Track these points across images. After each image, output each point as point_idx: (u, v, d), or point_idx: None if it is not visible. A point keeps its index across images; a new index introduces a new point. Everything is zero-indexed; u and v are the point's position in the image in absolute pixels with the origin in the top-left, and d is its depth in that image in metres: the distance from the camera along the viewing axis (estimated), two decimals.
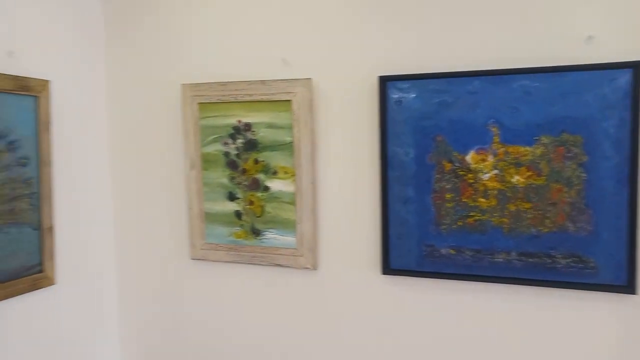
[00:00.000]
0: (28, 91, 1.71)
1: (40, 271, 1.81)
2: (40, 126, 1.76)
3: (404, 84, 1.65)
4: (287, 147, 1.83)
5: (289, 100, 1.80)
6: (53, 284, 1.86)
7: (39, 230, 1.79)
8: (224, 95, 1.88)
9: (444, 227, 1.64)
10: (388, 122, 1.68)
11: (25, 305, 1.79)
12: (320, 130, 1.81)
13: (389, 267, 1.72)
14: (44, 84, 1.77)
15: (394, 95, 1.67)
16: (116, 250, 2.19)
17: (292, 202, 1.84)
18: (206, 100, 1.91)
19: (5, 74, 1.63)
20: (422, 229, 1.67)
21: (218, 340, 2.03)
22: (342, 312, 1.83)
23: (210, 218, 1.97)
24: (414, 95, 1.64)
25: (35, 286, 1.79)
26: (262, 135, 1.86)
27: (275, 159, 1.85)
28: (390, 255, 1.72)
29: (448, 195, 1.63)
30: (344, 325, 1.83)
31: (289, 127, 1.81)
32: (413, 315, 1.74)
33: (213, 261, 1.99)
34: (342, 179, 1.80)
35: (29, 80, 1.72)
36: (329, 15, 1.78)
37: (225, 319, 2.01)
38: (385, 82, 1.67)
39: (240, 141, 1.90)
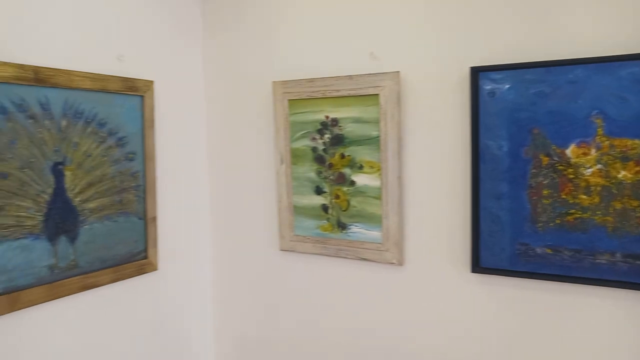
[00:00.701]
0: (135, 91, 1.86)
1: (145, 257, 1.96)
2: (145, 123, 1.91)
3: (498, 75, 1.58)
4: (374, 142, 1.83)
5: (376, 95, 1.80)
6: (156, 270, 2.02)
7: (144, 220, 1.95)
8: (312, 92, 1.92)
9: (540, 225, 1.56)
10: (480, 115, 1.62)
11: (132, 288, 1.95)
12: (407, 124, 1.79)
13: (479, 265, 1.67)
14: (149, 84, 1.92)
15: (487, 86, 1.61)
16: (212, 240, 2.32)
17: (378, 197, 1.83)
18: (295, 97, 1.96)
19: (115, 76, 1.79)
20: (516, 226, 1.59)
21: (305, 330, 2.08)
22: (428, 309, 1.80)
23: (298, 211, 2.02)
24: (509, 86, 1.57)
25: (140, 271, 1.95)
26: (349, 130, 1.87)
27: (362, 154, 1.86)
28: (481, 253, 1.66)
29: (545, 192, 1.54)
30: (430, 323, 1.80)
31: (376, 122, 1.81)
32: (504, 317, 1.67)
33: (301, 253, 2.05)
34: (430, 174, 1.76)
35: (136, 81, 1.87)
36: (416, 6, 1.75)
37: (312, 309, 2.06)
38: (477, 73, 1.61)
39: (327, 136, 1.92)
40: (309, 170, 1.98)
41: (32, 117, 1.54)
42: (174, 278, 2.15)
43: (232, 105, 2.20)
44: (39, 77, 1.54)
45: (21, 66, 1.49)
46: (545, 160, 1.54)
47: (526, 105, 1.55)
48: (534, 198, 1.56)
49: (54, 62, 1.61)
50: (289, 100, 1.99)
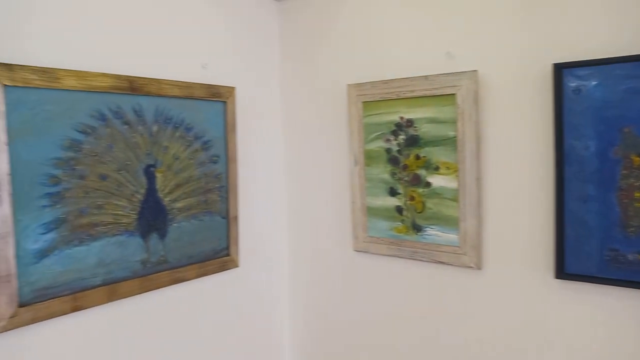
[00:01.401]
0: (218, 97, 1.97)
1: (227, 254, 2.07)
2: (227, 127, 2.02)
3: (584, 71, 1.50)
4: (450, 142, 1.80)
5: (452, 94, 1.77)
6: (237, 267, 2.12)
7: (227, 219, 2.05)
8: (386, 93, 1.93)
9: (632, 229, 1.46)
10: (564, 113, 1.55)
11: (215, 283, 2.06)
12: (486, 124, 1.74)
13: (564, 271, 1.59)
14: (231, 90, 2.02)
15: (572, 83, 1.53)
16: (289, 239, 2.40)
17: (455, 199, 1.80)
18: (370, 99, 1.98)
19: (200, 84, 1.90)
20: (604, 231, 1.50)
21: (378, 331, 2.09)
22: (507, 315, 1.74)
23: (372, 212, 2.04)
24: (596, 82, 1.49)
25: (223, 267, 2.06)
26: (424, 130, 1.86)
27: (437, 155, 1.84)
28: (566, 258, 1.58)
29: (637, 194, 1.44)
30: (509, 329, 1.74)
31: (453, 122, 1.78)
32: (590, 326, 1.57)
33: (374, 254, 2.06)
34: (510, 175, 1.71)
35: (219, 87, 1.97)
36: (494, 2, 1.70)
37: (384, 310, 2.06)
38: (561, 70, 1.54)
39: (401, 137, 1.92)
40: (382, 172, 1.99)
41: (127, 123, 1.68)
42: (254, 275, 2.24)
43: (308, 108, 2.26)
44: (133, 86, 1.68)
45: (118, 76, 1.64)
46: (637, 160, 1.43)
47: (616, 103, 1.46)
48: (625, 201, 1.46)
49: (146, 72, 1.74)
50: (363, 102, 2.01)
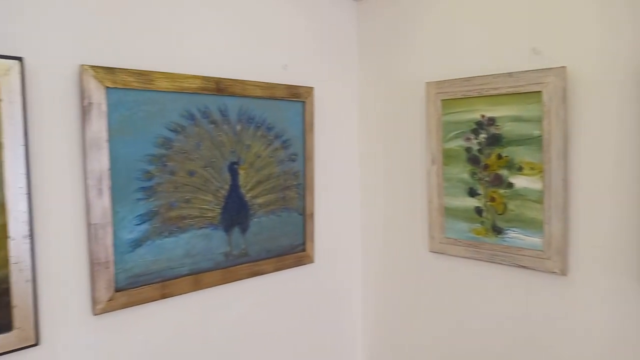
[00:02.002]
0: (298, 97, 2.02)
1: (303, 250, 2.12)
2: (306, 127, 2.06)
3: None
4: (535, 142, 1.72)
5: (538, 92, 1.70)
6: (312, 262, 2.16)
7: (303, 216, 2.10)
8: (467, 91, 1.88)
9: None
10: None
11: (291, 278, 2.12)
12: (574, 122, 1.65)
13: None
14: (310, 90, 2.07)
15: None
16: (362, 237, 2.41)
17: (539, 201, 1.73)
18: (449, 97, 1.94)
19: (281, 84, 1.96)
20: None
21: (452, 334, 2.05)
22: (595, 324, 1.64)
23: (449, 213, 2.00)
24: None
25: (299, 262, 2.11)
26: (507, 129, 1.80)
27: (521, 154, 1.77)
28: None
29: None
30: (596, 339, 1.64)
31: (538, 120, 1.71)
32: None
33: (451, 256, 2.02)
34: (600, 176, 1.61)
35: (299, 88, 2.02)
36: None
37: (460, 313, 2.02)
38: None
39: (482, 136, 1.87)
40: (461, 171, 1.94)
41: (213, 122, 1.77)
42: (328, 271, 2.28)
43: (384, 107, 2.26)
44: (219, 87, 1.77)
45: (206, 78, 1.73)
46: None
47: None
48: None
49: (232, 74, 1.83)
50: (442, 100, 1.97)
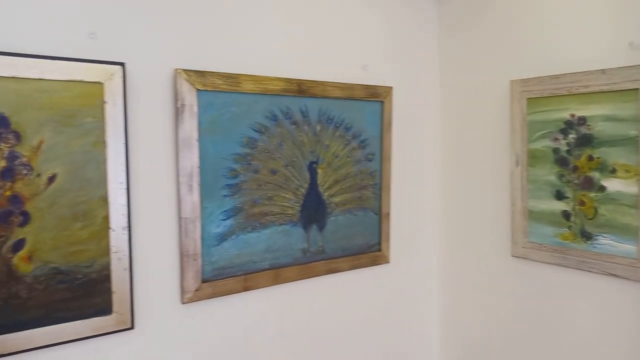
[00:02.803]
0: (376, 97, 2.03)
1: (379, 250, 2.12)
2: (383, 127, 2.07)
3: None
4: (631, 143, 1.62)
5: (635, 89, 1.59)
6: (387, 262, 2.16)
7: (379, 215, 2.11)
8: (556, 89, 1.80)
9: None
10: None
11: (366, 277, 2.13)
12: None
13: None
14: (388, 90, 2.07)
15: None
16: (440, 238, 2.37)
17: (635, 206, 1.62)
18: (535, 95, 1.87)
19: (360, 85, 1.98)
20: None
21: (533, 343, 1.96)
22: None
23: (534, 216, 1.92)
24: None
25: (374, 262, 2.12)
26: (599, 129, 1.70)
27: (615, 156, 1.66)
28: None
29: None
30: None
31: (635, 120, 1.60)
32: None
33: (534, 261, 1.94)
34: None
35: (377, 88, 2.03)
36: None
37: (542, 320, 1.93)
38: None
39: (572, 136, 1.78)
40: (548, 173, 1.86)
41: (294, 123, 1.83)
42: (403, 272, 2.26)
43: (466, 106, 2.20)
44: (301, 89, 1.81)
45: (289, 80, 1.78)
46: None
47: None
48: None
49: (312, 75, 1.87)
50: (528, 98, 1.90)
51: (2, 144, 1.30)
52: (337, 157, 1.95)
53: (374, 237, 2.11)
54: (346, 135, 1.97)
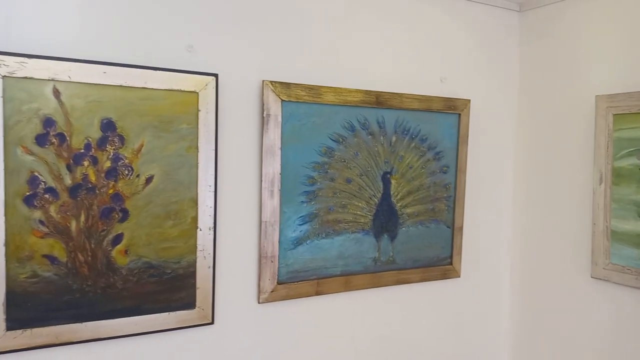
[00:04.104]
0: (453, 110, 2.03)
1: (450, 263, 2.11)
2: (460, 139, 2.06)
3: None
4: None
5: None
6: (458, 277, 2.14)
7: (451, 229, 2.09)
8: None
9: None
10: None
11: (436, 290, 2.12)
12: None
13: None
14: (466, 102, 2.06)
15: None
16: (514, 255, 2.31)
17: None
18: (623, 111, 1.79)
19: (438, 97, 1.99)
20: None
21: None
22: None
23: (617, 237, 1.84)
24: None
25: (444, 275, 2.10)
26: None
27: None
28: None
29: None
30: None
31: None
32: None
33: (616, 284, 1.85)
34: None
35: (455, 100, 2.03)
36: None
37: (622, 348, 1.83)
38: None
39: None
40: (635, 192, 1.78)
41: (371, 133, 1.87)
42: (474, 288, 2.23)
43: (547, 120, 2.15)
44: (379, 101, 1.85)
45: (367, 92, 1.83)
46: None
47: None
48: None
49: (390, 87, 1.91)
50: (615, 114, 1.83)
51: (109, 146, 1.43)
52: (411, 168, 1.97)
53: (446, 250, 2.10)
54: (421, 147, 1.98)
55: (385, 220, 1.93)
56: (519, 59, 2.27)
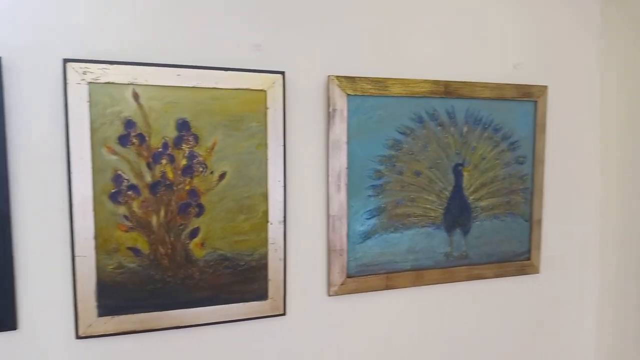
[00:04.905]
0: (529, 97, 1.93)
1: (527, 259, 2.01)
2: (537, 128, 1.95)
3: None
4: None
5: None
6: (537, 273, 2.03)
7: (529, 222, 1.99)
8: None
9: None
10: None
11: (512, 286, 2.03)
12: None
13: None
14: (543, 89, 1.95)
15: None
16: (599, 252, 2.16)
17: None
18: None
19: (511, 84, 1.90)
20: None
21: None
22: None
23: None
24: None
25: (521, 271, 2.01)
26: None
27: None
28: None
29: None
30: None
31: None
32: None
33: None
34: None
35: (530, 87, 1.93)
36: None
37: None
38: None
39: None
40: None
41: (440, 124, 1.82)
42: (555, 284, 2.11)
43: (632, 108, 1.98)
44: (448, 90, 1.80)
45: (435, 82, 1.78)
46: None
47: None
48: None
49: (460, 76, 1.84)
50: None
51: (184, 145, 1.51)
52: (484, 159, 1.89)
53: (523, 245, 2.00)
54: (495, 137, 1.90)
55: (458, 213, 1.88)
56: (599, 41, 2.10)
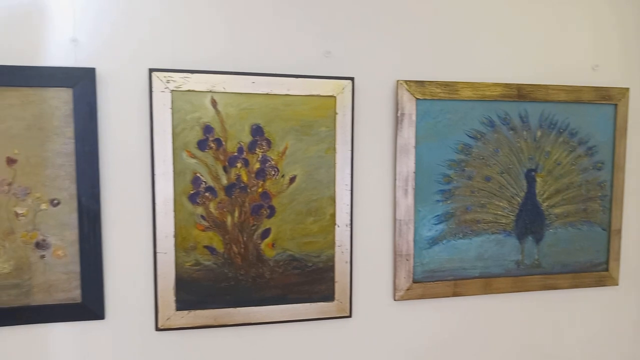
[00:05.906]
0: (608, 100, 1.84)
1: (605, 270, 1.91)
2: (617, 132, 1.86)
3: None
4: None
5: None
6: (616, 285, 1.93)
7: (607, 231, 1.90)
8: None
9: None
10: None
11: (588, 298, 1.93)
12: None
13: None
14: (624, 92, 1.85)
15: None
16: None
17: None
18: None
19: (589, 87, 1.82)
20: None
21: None
22: None
23: None
24: None
25: (599, 283, 1.91)
26: None
27: None
28: None
29: None
30: None
31: None
32: None
33: None
34: None
35: (610, 90, 1.84)
36: None
37: None
38: None
39: None
40: None
41: (512, 128, 1.78)
42: (635, 299, 1.99)
43: None
44: (521, 94, 1.76)
45: (507, 85, 1.74)
46: None
47: None
48: None
49: (534, 79, 1.79)
50: None
51: (258, 149, 1.57)
52: (559, 164, 1.83)
53: (601, 256, 1.91)
54: (571, 142, 1.83)
55: (530, 221, 1.82)
56: None
